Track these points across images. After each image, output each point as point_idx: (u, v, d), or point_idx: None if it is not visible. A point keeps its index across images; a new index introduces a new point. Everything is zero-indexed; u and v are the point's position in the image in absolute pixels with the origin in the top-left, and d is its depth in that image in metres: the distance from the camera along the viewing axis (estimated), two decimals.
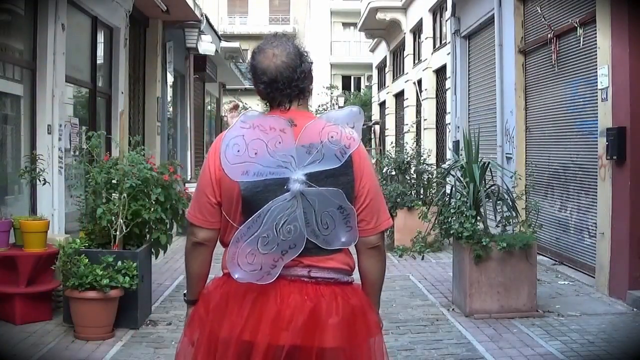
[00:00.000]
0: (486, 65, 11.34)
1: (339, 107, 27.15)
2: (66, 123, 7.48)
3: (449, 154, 12.47)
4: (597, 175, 6.93)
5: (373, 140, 27.01)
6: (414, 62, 18.78)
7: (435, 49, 16.21)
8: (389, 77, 22.73)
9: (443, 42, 14.99)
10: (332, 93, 32.71)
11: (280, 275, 2.06)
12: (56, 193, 6.94)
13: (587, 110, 7.48)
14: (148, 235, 5.94)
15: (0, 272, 5.52)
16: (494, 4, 10.22)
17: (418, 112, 18.18)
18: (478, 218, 6.08)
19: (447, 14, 13.58)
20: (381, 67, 24.93)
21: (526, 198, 7.08)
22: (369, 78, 31.24)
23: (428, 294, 6.89)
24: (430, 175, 10.28)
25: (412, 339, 5.30)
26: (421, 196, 10.05)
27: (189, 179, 12.30)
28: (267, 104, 2.23)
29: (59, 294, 5.74)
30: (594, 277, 6.97)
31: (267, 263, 2.04)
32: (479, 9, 11.40)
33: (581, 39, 7.53)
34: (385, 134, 23.00)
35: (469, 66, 12.66)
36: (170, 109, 13.58)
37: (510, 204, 6.27)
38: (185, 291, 2.36)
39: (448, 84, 13.67)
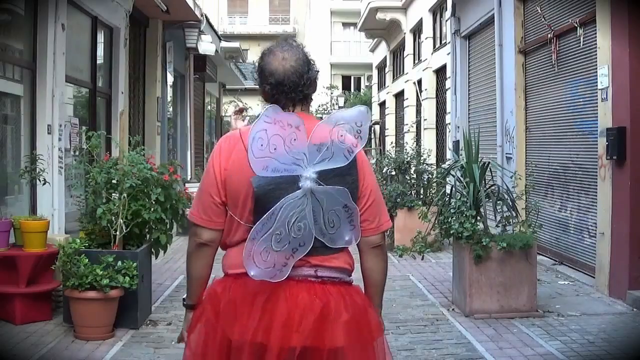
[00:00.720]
0: (486, 65, 11.34)
1: (339, 107, 27.31)
2: (66, 123, 7.48)
3: (449, 154, 12.47)
4: (597, 175, 6.93)
5: (373, 140, 27.03)
6: (414, 62, 18.78)
7: (435, 49, 16.21)
8: (389, 77, 22.73)
9: (443, 42, 14.99)
10: (332, 93, 32.71)
11: (289, 275, 2.07)
12: (56, 193, 6.93)
13: (587, 110, 7.48)
14: (148, 235, 5.94)
15: (0, 272, 5.52)
16: (494, 4, 10.22)
17: (418, 112, 18.19)
18: (478, 218, 6.08)
19: (447, 14, 13.58)
20: (381, 67, 24.93)
21: (526, 198, 7.08)
22: (369, 78, 31.25)
23: (428, 294, 6.89)
24: (430, 175, 10.28)
25: (412, 339, 5.31)
26: (421, 196, 10.05)
27: (189, 179, 12.31)
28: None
29: (59, 294, 5.74)
30: (594, 277, 6.97)
31: (279, 261, 2.05)
32: (479, 9, 11.41)
33: (581, 39, 7.53)
34: (385, 134, 23.00)
35: (469, 66, 12.66)
36: (170, 109, 13.58)
37: (510, 204, 6.27)
38: (185, 296, 2.34)
39: (448, 84, 13.67)
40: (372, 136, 27.18)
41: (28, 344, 5.04)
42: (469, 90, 12.65)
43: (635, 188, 6.33)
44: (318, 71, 2.30)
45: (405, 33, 19.34)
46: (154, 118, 11.33)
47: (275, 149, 2.05)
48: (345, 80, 36.52)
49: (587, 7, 7.39)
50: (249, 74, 21.73)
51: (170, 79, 12.70)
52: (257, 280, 2.05)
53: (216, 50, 14.10)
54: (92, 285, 5.09)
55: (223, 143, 2.21)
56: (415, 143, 13.63)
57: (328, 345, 2.05)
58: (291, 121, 2.10)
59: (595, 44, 7.00)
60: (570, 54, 7.99)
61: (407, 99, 19.19)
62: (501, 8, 10.08)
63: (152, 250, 6.01)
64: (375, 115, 26.41)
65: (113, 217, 5.57)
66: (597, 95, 6.95)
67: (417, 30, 18.49)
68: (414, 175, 10.45)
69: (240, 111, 3.45)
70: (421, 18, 17.35)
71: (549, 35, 8.37)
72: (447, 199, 6.59)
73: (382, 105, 24.43)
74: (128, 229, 5.62)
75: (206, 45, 13.11)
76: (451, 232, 6.12)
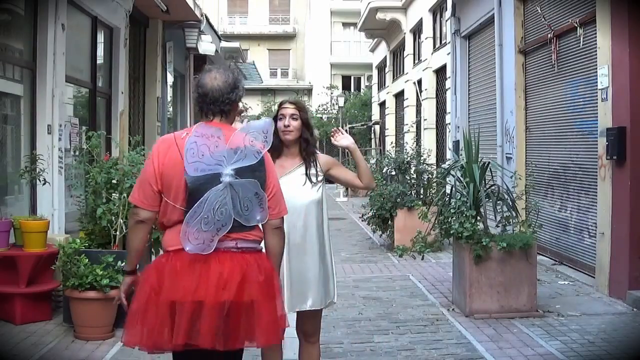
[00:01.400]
0: (486, 65, 11.34)
1: (339, 107, 27.27)
2: (66, 123, 7.48)
3: (449, 154, 12.47)
4: (597, 175, 6.93)
5: (373, 140, 27.03)
6: (414, 62, 18.78)
7: (435, 49, 16.21)
8: (389, 77, 22.74)
9: (443, 42, 14.99)
10: (332, 93, 32.71)
11: (216, 248, 2.71)
12: (56, 193, 6.93)
13: (587, 110, 7.48)
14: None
15: (0, 272, 5.52)
16: (494, 4, 10.22)
17: (418, 112, 18.19)
18: (478, 218, 6.08)
19: (447, 14, 13.58)
20: (381, 67, 24.93)
21: (526, 198, 7.08)
22: (369, 78, 31.25)
23: (428, 294, 6.89)
24: (430, 175, 10.28)
25: (412, 339, 5.30)
26: (421, 196, 10.05)
27: None
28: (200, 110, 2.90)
29: (59, 294, 5.73)
30: (594, 277, 6.97)
31: (207, 238, 2.69)
32: (479, 9, 11.41)
33: (581, 39, 7.53)
34: (385, 134, 23.01)
35: (469, 66, 12.66)
36: (170, 109, 13.59)
37: (510, 204, 6.27)
38: (123, 264, 2.83)
39: (448, 84, 13.67)
40: (372, 136, 27.20)
41: (28, 344, 5.04)
42: (469, 90, 12.65)
43: (635, 188, 6.33)
44: (241, 96, 2.91)
45: (405, 33, 19.34)
46: (154, 118, 11.32)
47: (202, 155, 2.70)
48: (345, 80, 36.51)
49: (587, 7, 7.39)
50: (249, 74, 21.73)
51: (170, 79, 12.70)
52: (192, 253, 2.68)
53: (216, 50, 14.10)
54: (92, 285, 5.09)
55: (160, 145, 2.82)
56: (415, 143, 13.63)
57: (247, 299, 2.69)
58: (214, 132, 2.76)
59: (595, 44, 7.00)
60: (570, 54, 7.99)
61: (407, 99, 19.19)
62: (501, 8, 10.08)
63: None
64: (375, 115, 26.43)
65: (113, 217, 5.57)
66: (597, 95, 6.95)
67: (417, 30, 18.49)
68: (414, 175, 10.45)
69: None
70: (421, 18, 17.36)
71: (549, 35, 8.37)
72: (447, 199, 6.59)
73: (382, 105, 24.44)
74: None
75: (206, 45, 13.12)
76: (451, 232, 6.12)
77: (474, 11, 11.79)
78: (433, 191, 9.59)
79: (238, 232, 2.76)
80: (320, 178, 3.59)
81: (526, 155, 9.49)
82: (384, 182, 10.53)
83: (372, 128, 26.87)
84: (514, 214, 6.25)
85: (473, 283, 5.92)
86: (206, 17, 13.14)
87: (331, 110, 32.15)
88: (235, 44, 16.96)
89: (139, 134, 9.82)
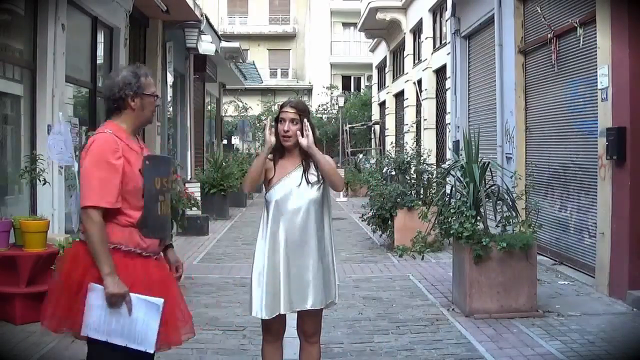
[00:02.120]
0: (486, 65, 11.35)
1: (339, 107, 27.25)
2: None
3: (449, 154, 12.48)
4: (597, 175, 6.93)
5: (373, 140, 27.02)
6: (414, 62, 18.78)
7: (435, 49, 16.22)
8: (389, 77, 22.74)
9: (443, 42, 15.00)
10: (332, 93, 32.72)
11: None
12: (56, 193, 6.93)
13: (587, 110, 7.48)
14: None
15: (0, 272, 5.52)
16: (494, 4, 10.22)
17: (418, 112, 18.20)
18: (478, 218, 6.08)
19: (447, 14, 13.58)
20: (381, 67, 24.93)
21: (526, 198, 7.08)
22: (369, 78, 31.26)
23: (428, 294, 6.89)
24: (430, 175, 10.28)
25: (412, 339, 5.30)
26: (421, 196, 10.04)
27: (189, 179, 12.31)
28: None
29: None
30: (594, 277, 6.97)
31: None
32: (479, 9, 11.41)
33: (581, 39, 7.53)
34: (385, 134, 23.01)
35: (469, 66, 12.66)
36: (170, 109, 13.59)
37: (510, 204, 6.27)
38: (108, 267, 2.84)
39: (448, 84, 13.67)
40: (372, 136, 27.20)
41: (28, 344, 5.03)
42: (469, 90, 12.65)
43: (635, 188, 6.33)
44: (128, 94, 2.99)
45: (405, 33, 19.35)
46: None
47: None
48: (345, 80, 36.52)
49: (587, 7, 7.39)
50: (249, 74, 21.74)
51: (170, 79, 12.70)
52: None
53: (216, 50, 14.11)
54: None
55: (113, 144, 2.90)
56: (415, 143, 13.63)
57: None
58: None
59: (595, 44, 7.00)
60: (570, 54, 7.99)
61: (407, 99, 19.20)
62: (501, 8, 10.08)
63: None
64: (375, 115, 26.43)
65: None
66: (597, 95, 6.95)
67: (417, 30, 18.50)
68: (414, 175, 10.45)
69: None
70: (421, 18, 17.36)
71: (549, 35, 8.37)
72: (447, 199, 6.59)
73: (382, 105, 24.44)
74: None
75: (206, 46, 13.13)
76: (451, 232, 6.12)
77: (474, 11, 11.79)
78: (433, 191, 9.60)
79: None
80: (320, 178, 3.59)
81: (526, 155, 9.49)
82: (384, 182, 10.53)
83: (372, 128, 26.87)
84: (514, 214, 6.25)
85: (473, 283, 5.92)
86: (206, 17, 13.15)
87: (331, 110, 32.17)
88: (235, 44, 16.96)
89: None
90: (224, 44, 15.93)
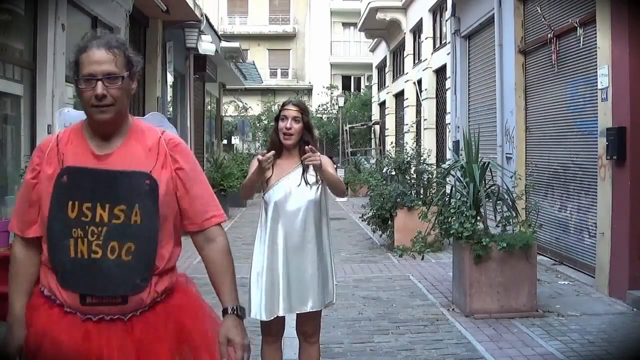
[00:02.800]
0: (486, 65, 11.35)
1: (339, 107, 27.25)
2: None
3: (449, 154, 12.47)
4: (597, 175, 6.93)
5: (373, 140, 27.02)
6: (414, 62, 18.78)
7: (435, 49, 16.21)
8: (389, 77, 22.74)
9: (443, 42, 15.00)
10: (332, 93, 32.72)
11: None
12: None
13: (587, 110, 7.48)
14: None
15: (0, 272, 5.51)
16: (494, 4, 10.22)
17: (418, 112, 18.19)
18: (478, 218, 6.08)
19: (447, 14, 13.58)
20: (381, 67, 24.93)
21: (526, 198, 7.08)
22: (369, 78, 31.25)
23: (428, 294, 6.89)
24: (430, 175, 10.28)
25: (412, 339, 5.30)
26: (421, 196, 10.05)
27: None
28: None
29: None
30: (594, 277, 6.97)
31: None
32: (479, 9, 11.41)
33: (581, 39, 7.53)
34: (385, 134, 23.00)
35: (469, 66, 12.66)
36: (170, 109, 13.58)
37: (510, 204, 6.27)
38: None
39: (448, 84, 13.67)
40: (372, 136, 27.19)
41: None
42: (469, 90, 12.65)
43: (635, 188, 6.33)
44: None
45: (405, 33, 19.34)
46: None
47: None
48: (345, 80, 36.52)
49: (587, 7, 7.39)
50: (249, 74, 21.73)
51: (170, 79, 12.70)
52: None
53: (216, 50, 14.11)
54: None
55: (36, 152, 2.27)
56: (415, 143, 13.63)
57: None
58: None
59: (595, 44, 7.00)
60: (570, 54, 7.99)
61: (407, 99, 19.19)
62: (501, 8, 10.08)
63: None
64: (375, 115, 26.42)
65: None
66: (597, 95, 6.95)
67: (417, 30, 18.49)
68: (414, 175, 10.45)
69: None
70: (421, 18, 17.35)
71: (549, 35, 8.37)
72: (447, 199, 6.59)
73: (382, 105, 24.43)
74: None
75: (206, 45, 13.12)
76: (451, 232, 6.12)
77: (473, 11, 11.79)
78: (433, 191, 9.60)
79: None
80: (318, 178, 3.58)
81: (526, 155, 9.49)
82: (384, 182, 10.53)
83: (372, 128, 26.86)
84: (514, 214, 6.25)
85: (473, 283, 5.92)
86: (206, 17, 13.15)
87: (331, 110, 32.17)
88: (235, 44, 16.96)
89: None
90: (224, 44, 15.93)
